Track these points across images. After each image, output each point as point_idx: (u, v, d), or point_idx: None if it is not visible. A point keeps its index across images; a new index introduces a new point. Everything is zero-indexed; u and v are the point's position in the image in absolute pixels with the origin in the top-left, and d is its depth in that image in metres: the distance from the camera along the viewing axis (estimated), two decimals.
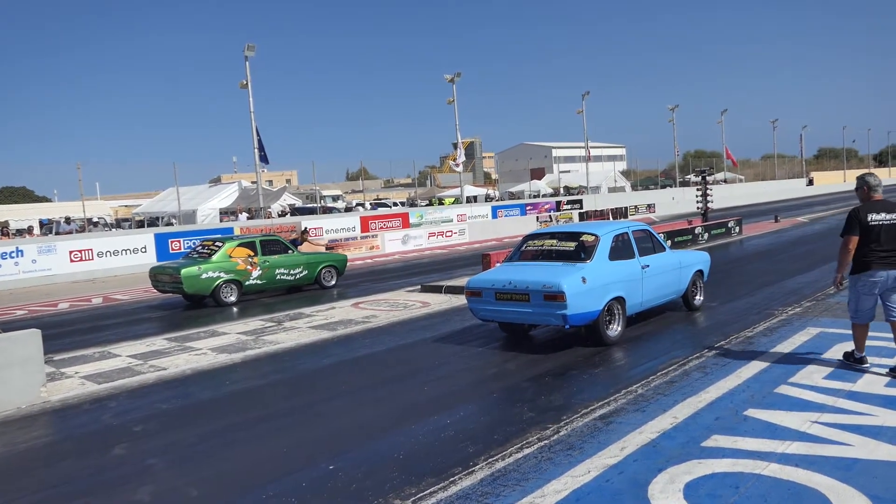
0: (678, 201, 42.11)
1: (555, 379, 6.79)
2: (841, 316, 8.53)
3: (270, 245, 14.52)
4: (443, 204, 40.12)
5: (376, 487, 4.43)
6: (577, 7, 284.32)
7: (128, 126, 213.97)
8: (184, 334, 10.31)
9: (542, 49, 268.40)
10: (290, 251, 14.76)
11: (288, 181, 68.74)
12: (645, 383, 6.34)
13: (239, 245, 14.09)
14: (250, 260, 13.96)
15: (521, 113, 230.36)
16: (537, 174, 67.44)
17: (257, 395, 7.05)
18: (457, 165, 35.45)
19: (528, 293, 7.69)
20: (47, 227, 35.93)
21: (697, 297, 9.91)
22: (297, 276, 14.74)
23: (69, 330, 11.84)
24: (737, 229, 22.62)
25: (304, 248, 16.19)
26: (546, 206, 35.81)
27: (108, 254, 20.86)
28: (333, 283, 15.45)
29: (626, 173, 62.55)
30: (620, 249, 8.39)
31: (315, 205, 39.30)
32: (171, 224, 31.10)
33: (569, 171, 69.68)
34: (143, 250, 21.46)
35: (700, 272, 9.95)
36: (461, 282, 11.80)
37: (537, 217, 32.69)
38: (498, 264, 10.21)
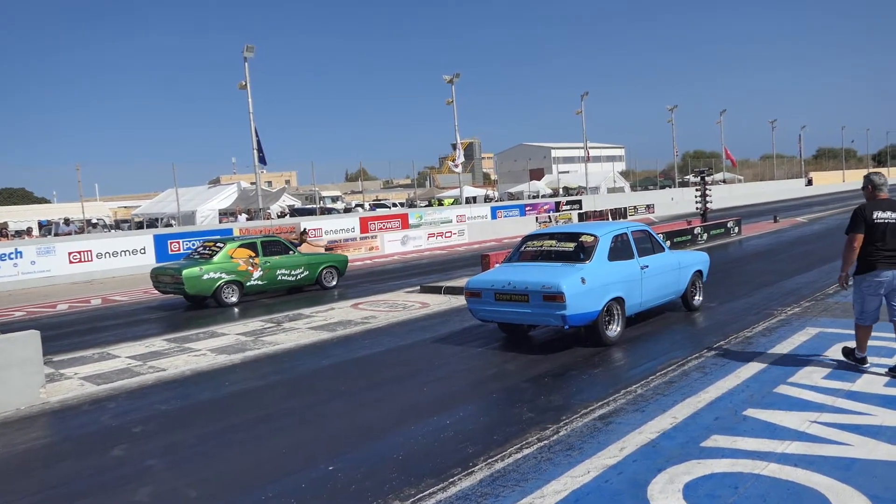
0: (677, 202, 42.13)
1: (554, 379, 6.79)
2: (840, 316, 8.55)
3: (271, 246, 14.54)
4: (442, 205, 40.12)
5: (375, 488, 4.43)
6: (576, 7, 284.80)
7: (127, 127, 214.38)
8: (183, 335, 10.31)
9: (541, 49, 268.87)
10: (291, 252, 14.78)
11: (287, 182, 68.76)
12: (644, 383, 6.34)
13: (240, 246, 14.10)
14: (251, 261, 13.97)
15: (520, 113, 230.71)
16: (536, 175, 67.54)
17: (256, 396, 7.05)
18: (456, 166, 35.45)
19: (528, 294, 7.69)
20: (46, 228, 35.96)
21: (696, 298, 9.92)
22: (299, 277, 14.74)
23: (68, 331, 11.83)
24: (736, 230, 22.63)
25: (304, 249, 16.18)
26: (545, 207, 35.83)
27: (107, 255, 20.85)
28: (334, 283, 15.45)
29: (625, 174, 62.66)
30: (619, 250, 8.39)
31: (314, 206, 39.32)
32: (171, 225, 31.10)
33: (568, 172, 69.69)
34: (143, 251, 21.45)
35: (699, 272, 9.96)
36: (460, 282, 11.81)
37: (536, 218, 32.69)
38: (497, 265, 10.21)
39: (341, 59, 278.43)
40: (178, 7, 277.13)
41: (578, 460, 4.61)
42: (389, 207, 42.11)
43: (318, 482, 4.63)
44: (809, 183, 68.45)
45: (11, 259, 19.11)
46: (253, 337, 9.86)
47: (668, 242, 16.62)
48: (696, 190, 23.81)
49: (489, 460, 4.75)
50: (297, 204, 45.58)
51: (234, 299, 13.59)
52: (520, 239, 9.43)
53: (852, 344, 6.44)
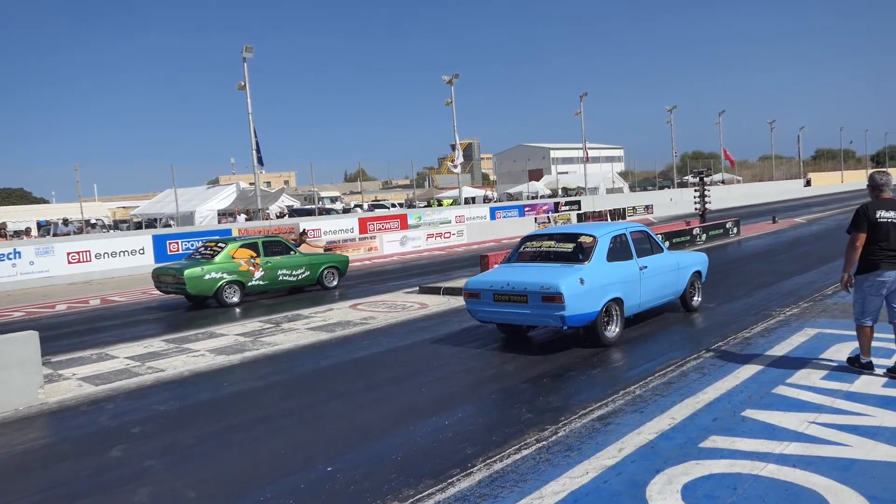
0: (676, 202, 42.17)
1: (553, 380, 6.80)
2: (839, 317, 8.56)
3: (273, 246, 14.56)
4: (441, 205, 40.10)
5: (374, 489, 4.43)
6: (576, 7, 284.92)
7: (126, 127, 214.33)
8: (182, 336, 10.30)
9: (540, 49, 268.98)
10: (292, 252, 14.80)
11: (286, 182, 68.77)
12: (643, 384, 6.34)
13: (242, 246, 14.12)
14: (253, 261, 13.97)
15: (519, 114, 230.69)
16: (535, 175, 67.46)
17: (255, 397, 7.05)
18: (455, 167, 35.48)
19: (527, 294, 7.70)
20: (45, 228, 35.87)
21: (695, 298, 9.92)
22: (300, 277, 14.76)
23: (67, 331, 11.82)
24: (734, 230, 22.65)
25: (303, 249, 16.19)
26: (544, 208, 35.84)
27: (106, 255, 20.83)
28: (335, 283, 15.46)
29: (624, 174, 62.69)
30: (618, 251, 8.40)
31: (313, 206, 39.28)
32: (170, 226, 31.07)
33: (567, 173, 69.67)
34: (141, 252, 21.43)
35: (698, 273, 9.96)
36: (459, 283, 11.80)
37: (535, 218, 32.70)
38: (496, 265, 10.22)
39: (341, 59, 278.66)
40: (177, 7, 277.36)
41: (577, 461, 4.61)
42: (388, 208, 42.11)
43: (316, 483, 4.63)
44: (808, 184, 68.54)
45: (10, 259, 19.09)
46: (252, 337, 9.85)
47: (667, 243, 16.63)
48: (695, 190, 23.83)
49: (488, 461, 4.75)
50: (296, 204, 45.53)
51: (235, 299, 13.59)
52: (519, 239, 9.43)
53: (851, 348, 6.41)
